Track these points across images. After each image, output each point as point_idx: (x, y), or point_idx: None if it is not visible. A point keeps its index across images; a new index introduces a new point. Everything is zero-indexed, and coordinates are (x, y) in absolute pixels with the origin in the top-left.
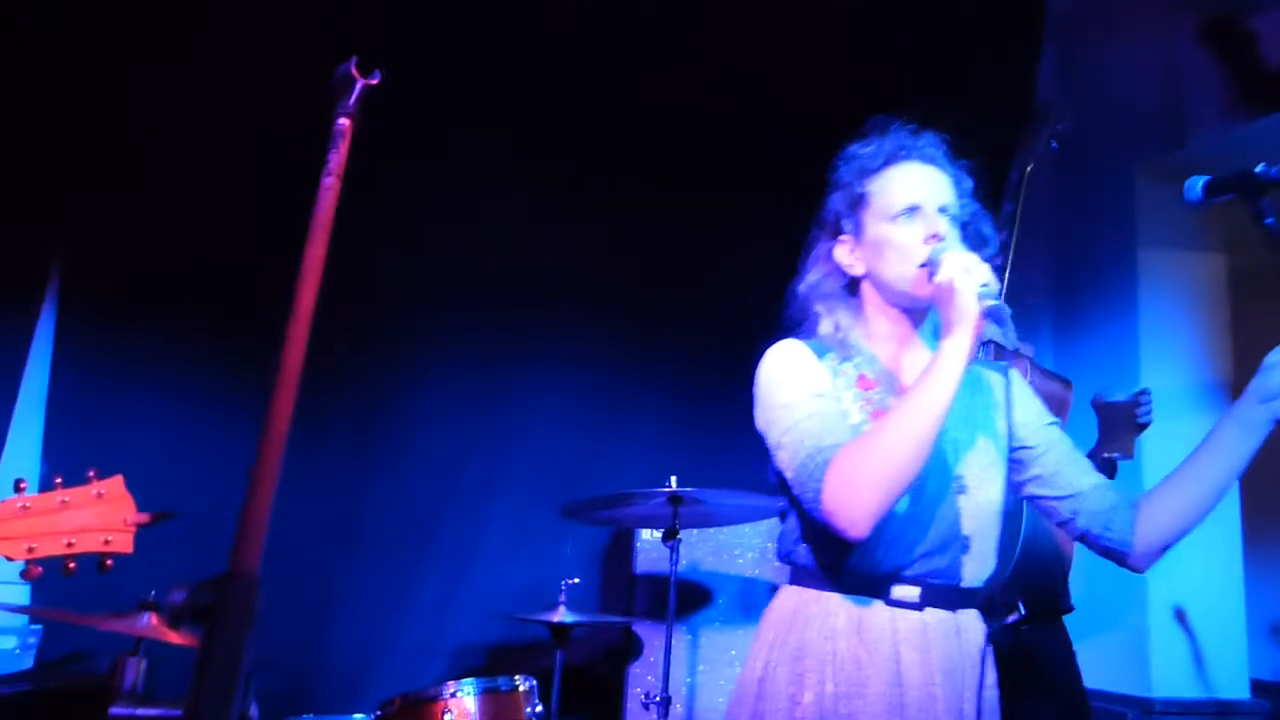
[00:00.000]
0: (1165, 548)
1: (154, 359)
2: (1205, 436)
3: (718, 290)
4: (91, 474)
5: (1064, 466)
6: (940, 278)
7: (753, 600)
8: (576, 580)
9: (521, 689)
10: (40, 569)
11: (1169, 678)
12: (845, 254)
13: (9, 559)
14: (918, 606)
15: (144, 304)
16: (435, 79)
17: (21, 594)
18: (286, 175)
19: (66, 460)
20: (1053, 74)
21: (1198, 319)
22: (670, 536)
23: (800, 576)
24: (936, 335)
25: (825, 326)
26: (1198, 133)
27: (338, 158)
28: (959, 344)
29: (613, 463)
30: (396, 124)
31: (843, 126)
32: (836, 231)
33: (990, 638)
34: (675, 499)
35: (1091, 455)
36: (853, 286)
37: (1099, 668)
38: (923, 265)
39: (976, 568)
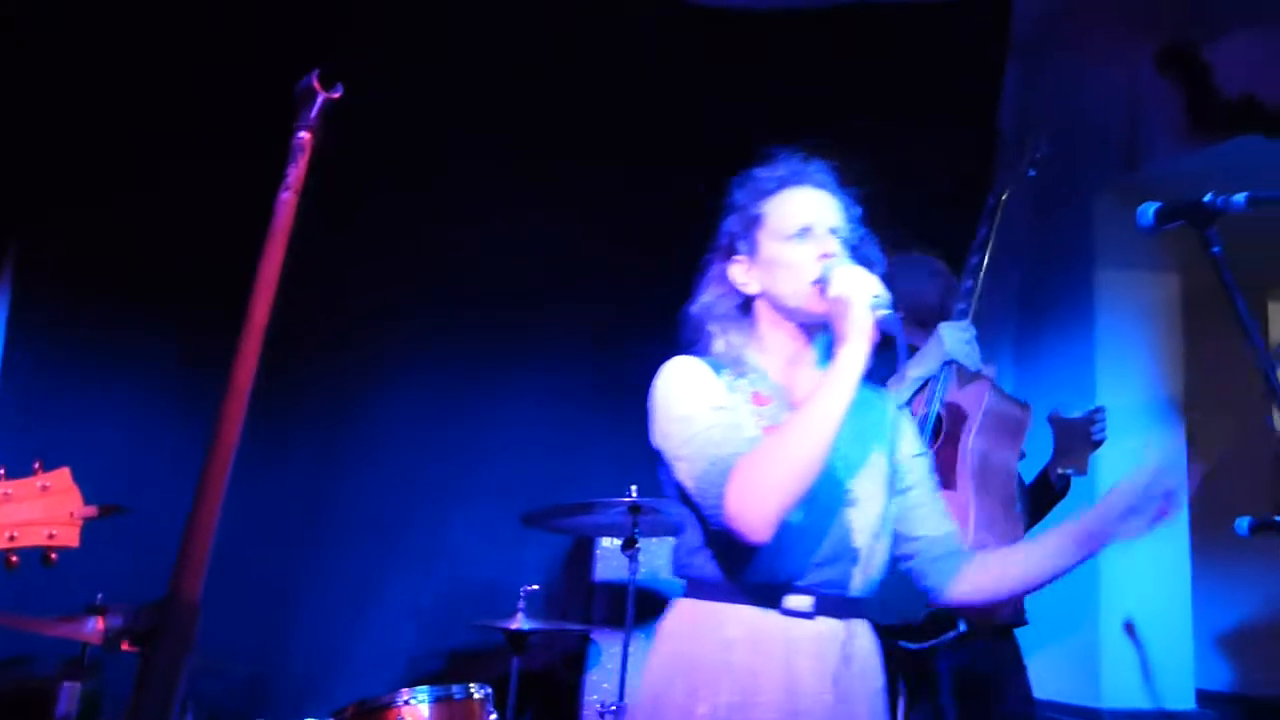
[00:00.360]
0: (973, 605)
1: (107, 357)
2: (1050, 531)
3: (685, 301)
4: (37, 466)
5: (919, 508)
6: (833, 291)
7: None
8: (536, 587)
9: (476, 697)
10: None
11: (1118, 689)
12: (741, 273)
13: None
14: (810, 615)
15: (98, 302)
16: (406, 84)
17: None
18: (251, 173)
19: (16, 458)
20: (1015, 95)
21: (1153, 339)
22: (629, 545)
23: (695, 589)
24: (828, 353)
25: (718, 345)
26: (1155, 156)
27: (296, 172)
28: (854, 353)
29: (574, 471)
30: (361, 130)
31: (823, 136)
32: (731, 252)
33: (895, 652)
34: (635, 508)
35: (1046, 470)
36: (746, 306)
37: (1049, 679)
38: (815, 281)
39: (865, 578)
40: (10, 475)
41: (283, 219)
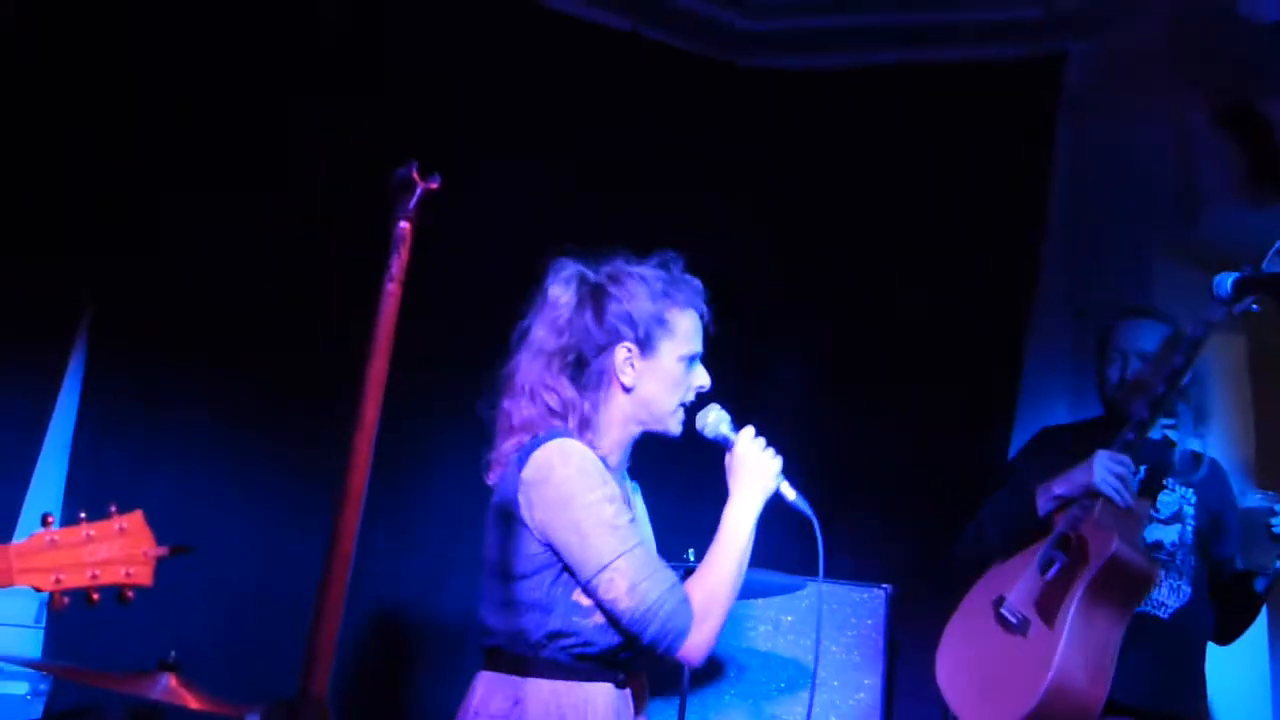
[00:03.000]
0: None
1: (178, 408)
2: None
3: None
4: (113, 509)
5: None
6: (742, 448)
7: (768, 674)
8: None
9: None
10: (67, 599)
11: None
12: (624, 361)
13: (38, 590)
14: (625, 686)
15: (172, 351)
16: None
17: (34, 640)
18: (315, 221)
19: (88, 504)
20: (1068, 153)
21: (1220, 401)
22: None
23: (549, 669)
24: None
25: (571, 422)
26: (1213, 212)
27: (399, 262)
28: (758, 502)
29: None
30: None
31: (866, 201)
32: (614, 334)
33: None
34: (692, 573)
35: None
36: (594, 385)
37: None
38: (682, 405)
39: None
40: (89, 518)
41: (389, 313)
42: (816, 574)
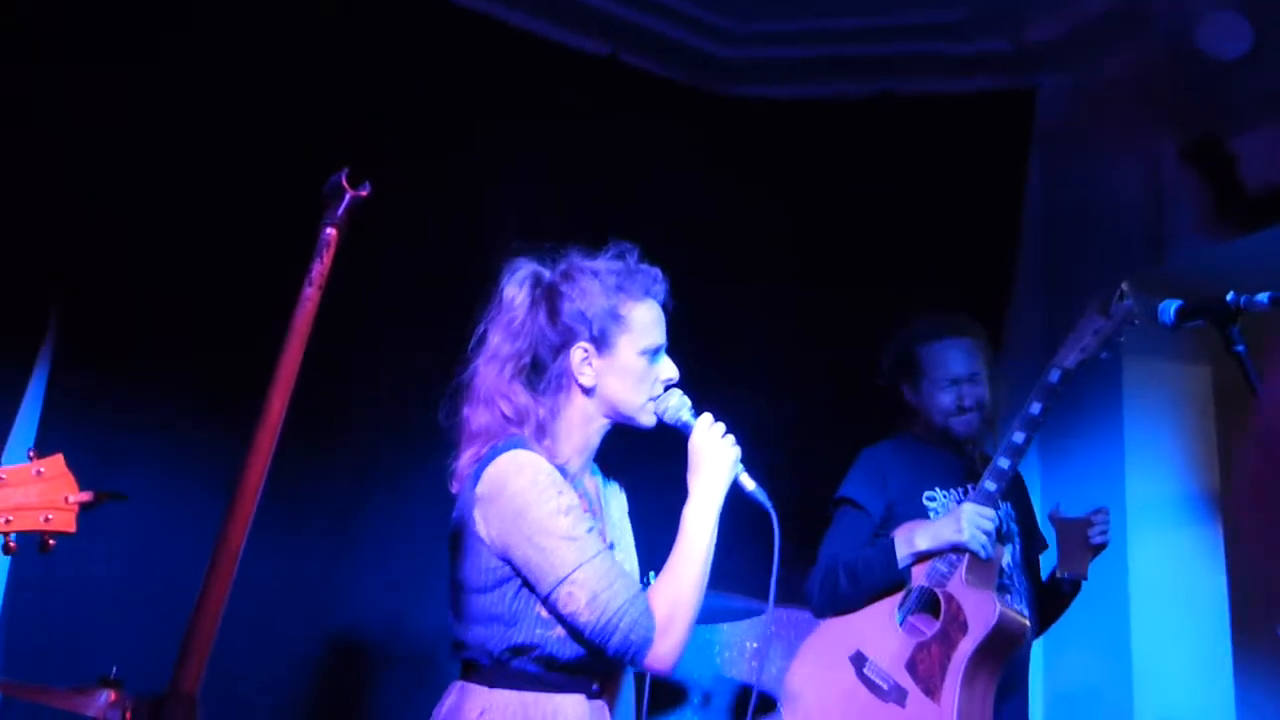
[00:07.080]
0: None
1: (147, 399)
2: None
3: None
4: (31, 453)
5: None
6: (699, 436)
7: (730, 698)
8: None
9: None
10: None
11: None
12: (580, 362)
13: None
14: (600, 696)
15: (138, 354)
16: (428, 181)
17: None
18: (286, 225)
19: None
20: (1039, 187)
21: (1183, 430)
22: None
23: (515, 680)
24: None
25: (527, 430)
26: (1179, 248)
27: (320, 268)
28: (717, 496)
29: None
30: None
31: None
32: (569, 334)
33: None
34: None
35: (1051, 573)
36: (554, 388)
37: None
38: (651, 399)
39: None
40: (4, 463)
41: (304, 315)
42: (782, 599)
